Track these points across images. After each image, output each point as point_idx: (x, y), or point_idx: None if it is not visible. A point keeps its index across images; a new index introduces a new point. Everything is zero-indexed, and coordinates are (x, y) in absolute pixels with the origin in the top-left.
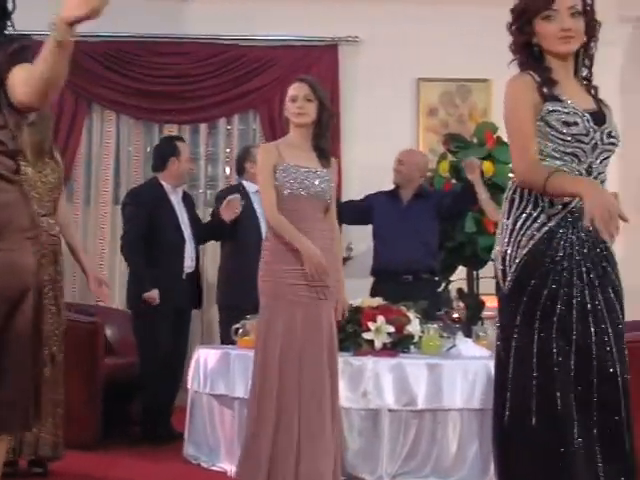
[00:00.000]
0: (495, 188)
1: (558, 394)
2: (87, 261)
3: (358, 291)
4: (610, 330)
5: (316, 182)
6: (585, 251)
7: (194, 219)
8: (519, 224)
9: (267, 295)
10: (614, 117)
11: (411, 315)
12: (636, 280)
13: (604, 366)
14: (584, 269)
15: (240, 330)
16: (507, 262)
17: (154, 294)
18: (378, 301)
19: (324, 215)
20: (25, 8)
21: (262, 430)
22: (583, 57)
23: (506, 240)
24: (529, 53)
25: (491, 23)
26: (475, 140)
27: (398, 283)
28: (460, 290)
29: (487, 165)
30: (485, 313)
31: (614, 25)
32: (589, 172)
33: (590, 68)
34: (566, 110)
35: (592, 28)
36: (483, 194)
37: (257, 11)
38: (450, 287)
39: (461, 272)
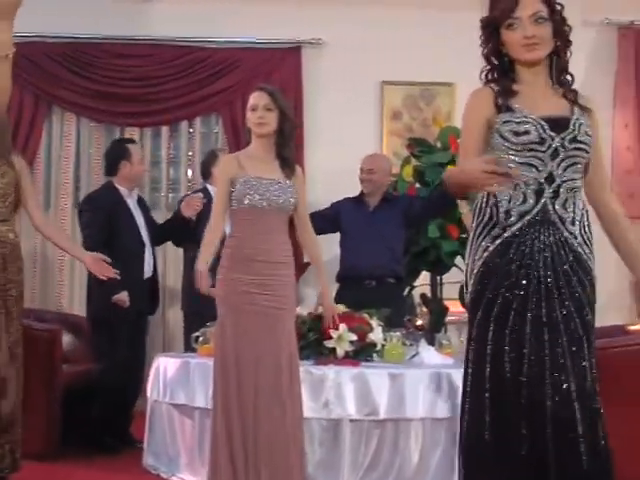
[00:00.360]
0: None
1: (509, 408)
2: (77, 250)
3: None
4: (566, 344)
5: (278, 193)
6: (546, 261)
7: (150, 222)
8: (476, 235)
9: (223, 303)
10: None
11: (374, 323)
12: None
13: (557, 381)
14: (542, 280)
15: (200, 338)
16: (468, 274)
17: (123, 296)
18: (340, 308)
19: (286, 226)
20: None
21: (220, 442)
22: (557, 63)
23: (467, 252)
24: (499, 63)
25: (455, 27)
26: (439, 144)
27: (362, 288)
28: (424, 295)
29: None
30: (449, 318)
31: (578, 29)
32: (550, 180)
33: (565, 73)
34: (517, 120)
35: (561, 33)
36: (464, 209)
37: (220, 13)
38: (414, 292)
39: (425, 277)
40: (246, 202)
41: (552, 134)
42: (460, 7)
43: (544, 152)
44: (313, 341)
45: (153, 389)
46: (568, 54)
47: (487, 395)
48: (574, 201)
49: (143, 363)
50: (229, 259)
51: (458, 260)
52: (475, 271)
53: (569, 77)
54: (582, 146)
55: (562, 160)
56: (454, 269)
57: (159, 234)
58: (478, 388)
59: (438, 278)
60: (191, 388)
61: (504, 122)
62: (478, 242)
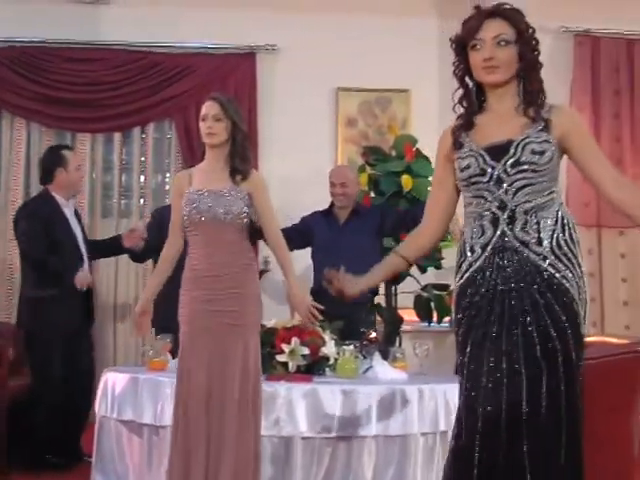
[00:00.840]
0: (414, 202)
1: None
2: None
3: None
4: (524, 371)
5: (217, 205)
6: (510, 289)
7: (84, 235)
8: (458, 266)
9: (182, 322)
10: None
11: (326, 336)
12: None
13: (513, 414)
14: (506, 309)
15: (150, 352)
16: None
17: (82, 276)
18: (293, 322)
19: (238, 237)
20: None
21: (174, 464)
22: (525, 86)
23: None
24: (467, 86)
25: (411, 33)
26: (394, 153)
27: (336, 302)
28: (378, 305)
29: (406, 179)
30: (404, 327)
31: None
32: (503, 208)
33: (535, 96)
34: (463, 155)
35: (528, 57)
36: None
37: (174, 18)
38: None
39: (379, 287)
40: (187, 217)
41: (492, 163)
42: (416, 14)
43: (487, 182)
44: (265, 355)
45: (101, 404)
46: (539, 77)
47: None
48: (537, 221)
49: (91, 377)
50: (184, 276)
51: (413, 269)
52: (453, 297)
53: (543, 98)
54: (526, 167)
55: (509, 186)
56: (408, 278)
57: (93, 250)
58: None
59: (393, 288)
60: (139, 404)
61: (457, 159)
62: (458, 270)
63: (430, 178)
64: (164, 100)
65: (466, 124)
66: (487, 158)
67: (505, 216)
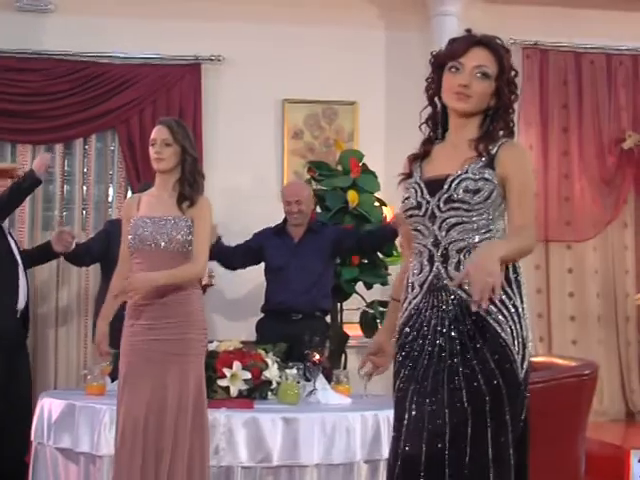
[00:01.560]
0: (360, 218)
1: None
2: None
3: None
4: (448, 415)
5: (163, 232)
6: (442, 330)
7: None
8: (401, 301)
9: (122, 351)
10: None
11: (269, 360)
12: None
13: (433, 457)
14: (435, 350)
15: (88, 376)
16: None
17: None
18: (234, 344)
19: (181, 264)
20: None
21: None
22: (490, 123)
23: None
24: (435, 107)
25: (358, 45)
26: (340, 168)
27: (288, 322)
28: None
29: (352, 194)
30: (350, 342)
31: None
32: (436, 245)
33: (490, 136)
34: (408, 185)
35: (502, 96)
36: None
37: (117, 27)
38: None
39: None
40: (131, 244)
41: (428, 197)
42: (363, 25)
43: (422, 217)
44: (206, 379)
45: (37, 431)
46: (508, 120)
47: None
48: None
49: (27, 401)
50: (128, 305)
51: (359, 286)
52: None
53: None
54: (458, 205)
55: (442, 222)
56: (354, 296)
57: (26, 259)
58: None
59: (338, 305)
60: (76, 432)
61: (404, 188)
62: (402, 306)
63: (377, 194)
64: (107, 111)
65: (421, 153)
66: (425, 191)
67: (439, 253)
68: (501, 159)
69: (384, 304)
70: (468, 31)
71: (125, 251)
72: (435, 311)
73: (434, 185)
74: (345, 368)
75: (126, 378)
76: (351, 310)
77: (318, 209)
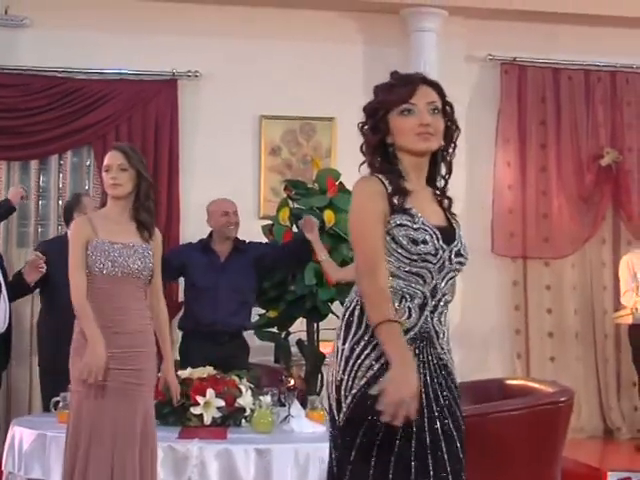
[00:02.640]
0: (337, 238)
1: None
2: None
3: None
4: (449, 465)
5: (133, 260)
6: (427, 379)
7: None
8: (357, 352)
9: (76, 379)
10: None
11: (243, 387)
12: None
13: None
14: (424, 398)
15: (60, 403)
16: (342, 392)
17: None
18: (208, 371)
19: (144, 293)
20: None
21: None
22: (440, 163)
23: (342, 367)
24: (383, 154)
25: (335, 61)
26: (316, 186)
27: (215, 343)
28: (300, 341)
29: (328, 214)
30: (327, 360)
31: (461, 65)
32: (433, 294)
33: (447, 178)
34: (415, 226)
35: (451, 131)
36: (323, 255)
37: (94, 43)
38: (290, 339)
39: (301, 323)
40: (97, 270)
41: (444, 246)
42: (340, 40)
43: (434, 264)
44: (179, 407)
45: (8, 460)
46: (452, 156)
47: None
48: (446, 313)
49: None
50: (82, 334)
51: (335, 305)
52: (355, 391)
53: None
54: (463, 260)
55: (447, 273)
56: (331, 316)
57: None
58: None
59: (314, 325)
60: (47, 462)
61: (398, 225)
62: (361, 359)
63: None
64: (84, 127)
65: (402, 190)
66: (440, 239)
67: (432, 303)
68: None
69: None
70: (395, 73)
71: (82, 266)
72: (416, 361)
73: (447, 235)
74: (322, 387)
75: (85, 408)
76: (328, 330)
77: (294, 228)
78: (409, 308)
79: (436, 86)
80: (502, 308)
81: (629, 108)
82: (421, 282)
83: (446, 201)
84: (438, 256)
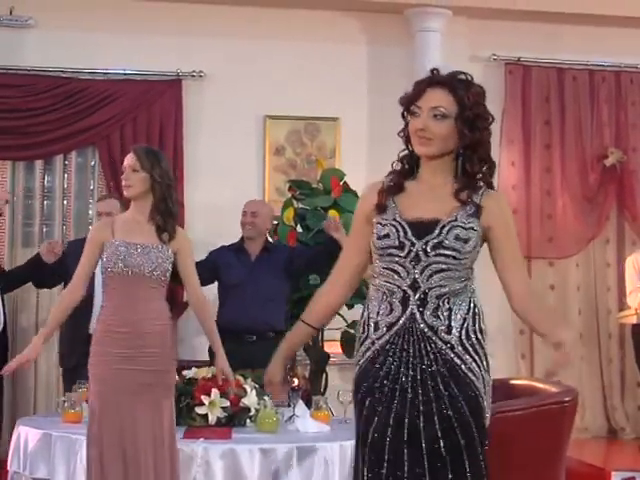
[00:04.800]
0: None
1: None
2: None
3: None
4: (427, 465)
5: (143, 259)
6: (415, 376)
7: None
8: (359, 341)
9: (93, 379)
10: None
11: (247, 386)
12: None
13: None
14: (409, 393)
15: (65, 403)
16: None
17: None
18: (213, 371)
19: (159, 294)
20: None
21: None
22: (462, 165)
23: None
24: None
25: (340, 61)
26: (321, 187)
27: (242, 343)
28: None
29: (333, 213)
30: (333, 359)
31: (465, 65)
32: (415, 288)
33: (467, 180)
34: (383, 222)
35: (466, 136)
36: None
37: (98, 43)
38: None
39: None
40: (112, 270)
41: (412, 239)
42: (344, 40)
43: (404, 258)
44: (184, 407)
45: (13, 459)
46: (484, 157)
47: None
48: (450, 307)
49: None
50: (99, 331)
51: None
52: (354, 377)
53: (480, 182)
54: (448, 252)
55: (425, 267)
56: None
57: (10, 280)
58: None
59: None
60: (52, 462)
61: (376, 223)
62: (360, 347)
63: None
64: (88, 127)
65: (396, 187)
66: (409, 232)
67: (416, 297)
68: (487, 210)
69: None
70: (434, 70)
71: (85, 273)
72: (404, 355)
73: (421, 228)
74: (326, 387)
75: (100, 409)
76: (332, 330)
77: (299, 228)
78: (390, 303)
79: (453, 89)
80: (506, 308)
81: (633, 108)
82: (397, 277)
83: (463, 195)
84: (405, 249)
